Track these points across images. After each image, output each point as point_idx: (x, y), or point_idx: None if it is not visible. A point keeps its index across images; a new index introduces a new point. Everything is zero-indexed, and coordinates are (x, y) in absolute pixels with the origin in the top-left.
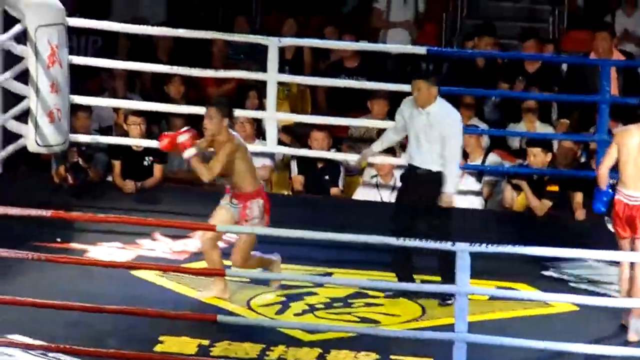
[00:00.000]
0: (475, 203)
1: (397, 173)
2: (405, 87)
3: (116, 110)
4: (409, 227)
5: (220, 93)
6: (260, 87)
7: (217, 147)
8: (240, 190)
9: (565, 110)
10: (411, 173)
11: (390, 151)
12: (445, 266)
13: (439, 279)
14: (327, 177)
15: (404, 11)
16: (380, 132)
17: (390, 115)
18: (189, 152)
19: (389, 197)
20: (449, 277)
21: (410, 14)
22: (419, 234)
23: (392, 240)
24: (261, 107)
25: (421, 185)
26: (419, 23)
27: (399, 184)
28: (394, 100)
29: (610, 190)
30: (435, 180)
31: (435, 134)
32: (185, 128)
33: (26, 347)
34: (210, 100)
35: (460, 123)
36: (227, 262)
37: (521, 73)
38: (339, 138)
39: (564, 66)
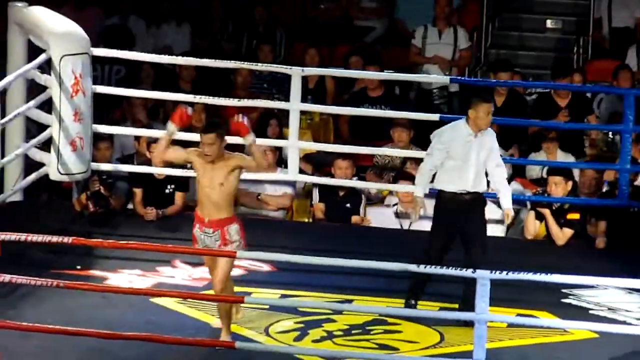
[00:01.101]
0: (497, 231)
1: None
2: (427, 116)
3: (137, 138)
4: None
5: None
6: (282, 115)
7: (220, 167)
8: (216, 216)
9: None
10: (457, 198)
11: (411, 179)
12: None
13: (456, 306)
14: (348, 205)
15: (438, 47)
16: (405, 160)
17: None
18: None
19: (409, 225)
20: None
21: (447, 50)
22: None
23: (412, 267)
24: (281, 135)
25: (471, 208)
26: (460, 58)
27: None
28: (416, 129)
29: None
30: (481, 201)
31: (484, 154)
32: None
33: None
34: (213, 124)
35: None
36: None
37: (553, 107)
38: (361, 167)
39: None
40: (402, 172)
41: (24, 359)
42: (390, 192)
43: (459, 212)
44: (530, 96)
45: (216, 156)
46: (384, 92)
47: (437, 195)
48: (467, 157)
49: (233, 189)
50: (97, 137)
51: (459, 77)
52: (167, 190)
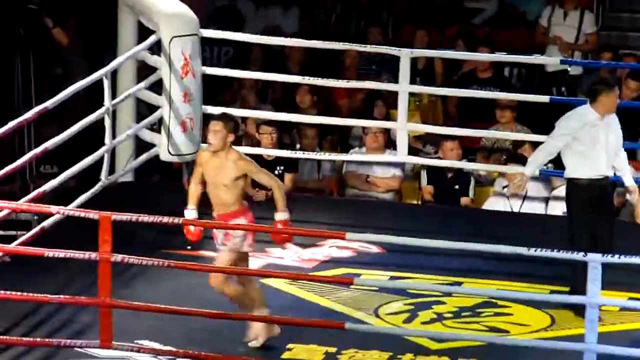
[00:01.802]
0: None
1: (529, 184)
2: (536, 98)
3: (245, 120)
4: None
5: (350, 103)
6: (388, 97)
7: (224, 166)
8: (225, 210)
9: None
10: (594, 184)
11: (522, 162)
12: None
13: (567, 289)
14: (457, 187)
15: (561, 28)
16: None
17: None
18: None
19: (520, 207)
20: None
21: (570, 32)
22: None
23: (522, 250)
24: (388, 116)
25: (606, 194)
26: (586, 43)
27: (530, 194)
28: (520, 110)
29: None
30: (611, 186)
31: (613, 137)
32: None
33: (155, 353)
34: (224, 115)
35: None
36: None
37: None
38: (469, 148)
39: None
40: (514, 154)
41: (136, 337)
42: (500, 174)
43: (596, 198)
44: None
45: (219, 147)
46: (493, 73)
47: (570, 184)
48: (596, 141)
49: (241, 189)
50: (208, 117)
51: (570, 59)
52: (276, 172)
